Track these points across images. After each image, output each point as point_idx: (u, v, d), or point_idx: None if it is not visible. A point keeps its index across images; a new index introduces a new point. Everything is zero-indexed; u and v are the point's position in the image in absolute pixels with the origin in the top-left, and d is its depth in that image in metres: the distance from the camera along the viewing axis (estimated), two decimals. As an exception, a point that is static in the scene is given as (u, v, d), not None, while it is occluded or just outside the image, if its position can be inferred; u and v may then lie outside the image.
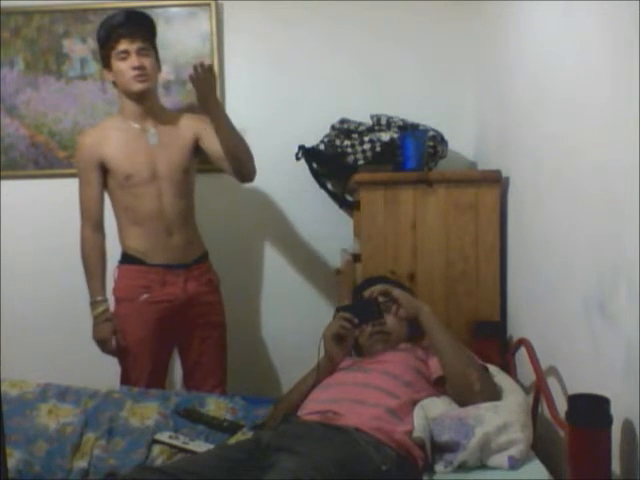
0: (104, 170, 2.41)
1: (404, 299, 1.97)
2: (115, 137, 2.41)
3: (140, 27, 2.37)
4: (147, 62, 2.35)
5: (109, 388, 2.23)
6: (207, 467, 1.60)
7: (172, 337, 2.50)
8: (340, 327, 1.98)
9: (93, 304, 2.41)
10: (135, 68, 2.33)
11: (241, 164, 2.41)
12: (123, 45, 2.32)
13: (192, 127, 2.47)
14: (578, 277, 1.68)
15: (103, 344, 2.42)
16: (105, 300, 2.42)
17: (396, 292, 1.99)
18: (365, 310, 2.00)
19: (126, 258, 2.45)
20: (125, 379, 2.45)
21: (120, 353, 2.45)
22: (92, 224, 2.42)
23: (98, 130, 2.47)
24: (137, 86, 2.35)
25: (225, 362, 2.58)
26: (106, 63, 2.39)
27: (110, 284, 2.46)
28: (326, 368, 1.99)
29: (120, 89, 2.41)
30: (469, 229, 2.37)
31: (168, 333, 2.46)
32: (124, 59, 2.33)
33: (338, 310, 2.05)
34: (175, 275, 2.43)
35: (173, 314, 2.42)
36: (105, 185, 2.44)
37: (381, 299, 2.03)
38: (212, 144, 2.42)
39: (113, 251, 2.47)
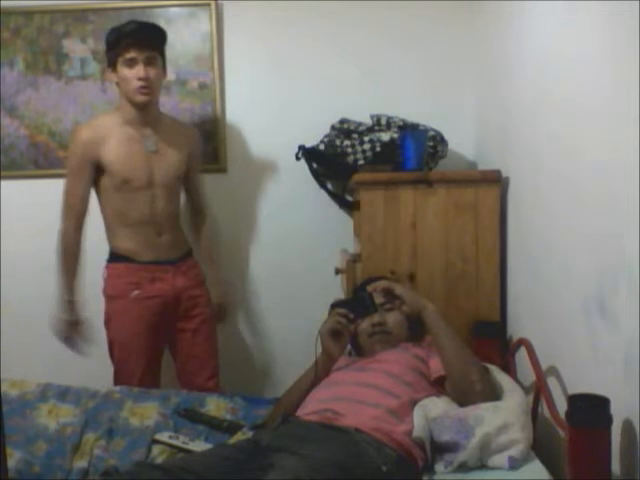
0: (98, 170, 2.40)
1: (407, 295, 1.97)
2: (114, 139, 2.39)
3: (151, 37, 2.37)
4: (153, 73, 2.35)
5: (109, 388, 2.24)
6: (206, 466, 1.60)
7: (163, 333, 2.51)
8: (336, 322, 1.98)
9: (65, 303, 2.41)
10: (141, 79, 2.32)
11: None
12: (132, 53, 2.31)
13: (188, 145, 2.53)
14: (578, 277, 1.68)
15: (69, 343, 2.44)
16: (76, 301, 2.42)
17: (399, 289, 1.99)
18: (360, 305, 2.00)
19: (115, 257, 2.47)
20: (118, 376, 2.46)
21: (112, 351, 2.47)
22: (75, 221, 2.41)
23: (96, 128, 2.42)
24: (140, 98, 2.36)
25: (217, 353, 2.60)
26: (111, 64, 2.37)
27: (100, 283, 2.47)
28: (324, 365, 1.99)
29: (122, 93, 2.40)
30: (469, 229, 2.36)
31: (159, 329, 2.47)
32: (130, 66, 2.32)
33: (333, 306, 2.05)
34: (164, 271, 2.46)
35: (163, 309, 2.45)
36: (96, 186, 2.43)
37: (384, 299, 2.03)
38: (194, 181, 2.59)
39: (100, 250, 2.48)
